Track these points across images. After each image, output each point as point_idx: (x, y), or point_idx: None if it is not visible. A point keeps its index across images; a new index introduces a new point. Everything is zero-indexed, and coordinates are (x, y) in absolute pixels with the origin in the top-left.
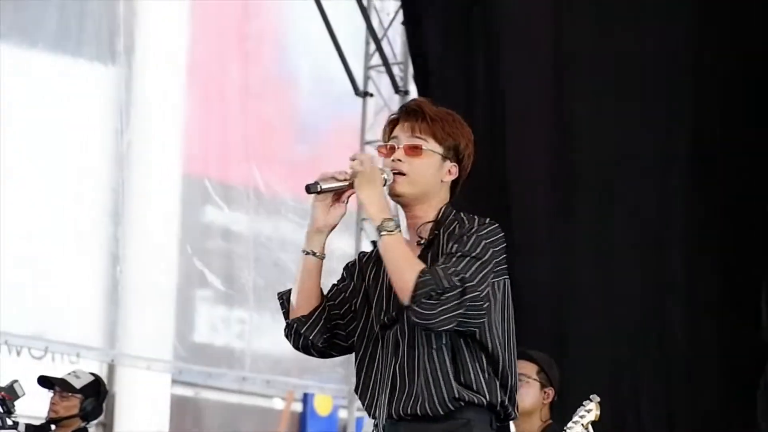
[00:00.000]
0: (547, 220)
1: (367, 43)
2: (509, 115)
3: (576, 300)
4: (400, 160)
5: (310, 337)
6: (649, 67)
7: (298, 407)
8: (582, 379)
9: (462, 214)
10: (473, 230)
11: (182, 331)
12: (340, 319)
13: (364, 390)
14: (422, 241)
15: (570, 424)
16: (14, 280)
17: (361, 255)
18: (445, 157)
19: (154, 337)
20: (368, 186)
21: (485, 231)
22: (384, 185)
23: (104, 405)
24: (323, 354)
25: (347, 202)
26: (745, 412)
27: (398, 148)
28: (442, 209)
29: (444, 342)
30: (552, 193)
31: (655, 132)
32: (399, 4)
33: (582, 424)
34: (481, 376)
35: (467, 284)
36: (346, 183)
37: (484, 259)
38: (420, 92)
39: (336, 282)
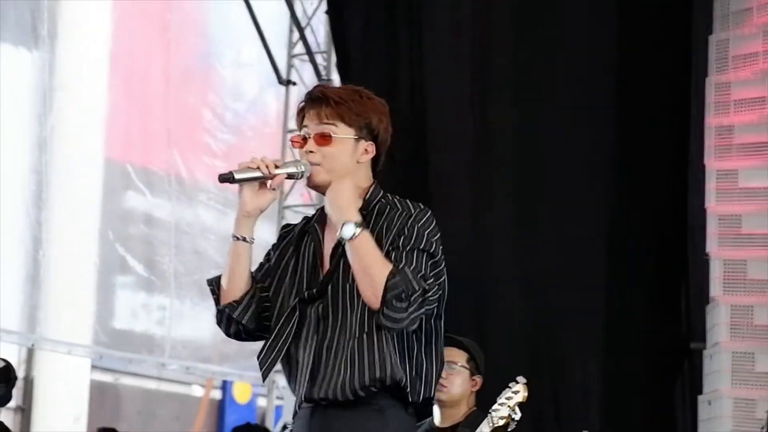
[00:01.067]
0: (467, 208)
1: (291, 32)
2: (431, 103)
3: (495, 292)
4: (312, 152)
5: (243, 321)
6: (571, 60)
7: (217, 395)
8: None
9: (391, 197)
10: (413, 220)
11: (103, 316)
12: (269, 302)
13: (284, 368)
14: None
15: (496, 406)
16: None
17: (283, 232)
18: (358, 138)
19: (74, 322)
20: (338, 184)
21: (424, 220)
22: (301, 178)
23: (13, 391)
24: (255, 337)
25: (276, 188)
26: (663, 402)
27: (309, 138)
28: (370, 190)
29: (366, 331)
30: (472, 182)
31: (579, 125)
32: None
33: (509, 406)
34: (398, 361)
35: (427, 282)
36: (263, 174)
37: (432, 251)
38: (343, 81)
39: (262, 262)
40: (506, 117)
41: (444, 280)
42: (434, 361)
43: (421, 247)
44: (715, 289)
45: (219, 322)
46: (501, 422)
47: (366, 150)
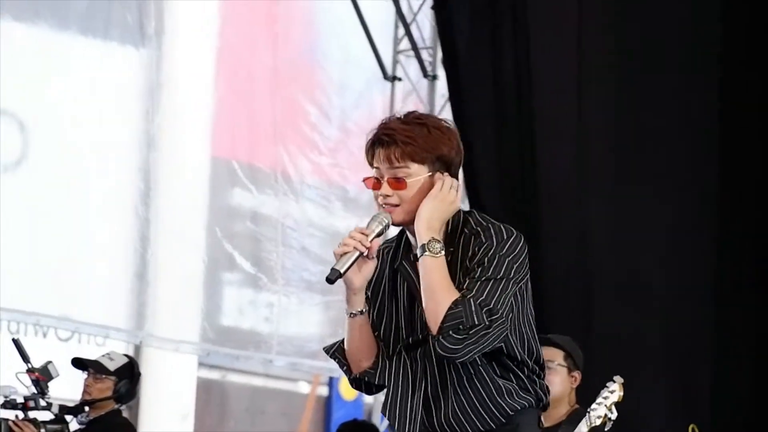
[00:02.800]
0: (572, 201)
1: (396, 27)
2: (537, 97)
3: (598, 288)
4: (388, 195)
5: (385, 382)
6: (675, 52)
7: (323, 391)
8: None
9: (473, 219)
10: (493, 249)
11: (210, 313)
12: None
13: (393, 411)
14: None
15: (594, 406)
16: (43, 260)
17: (384, 249)
18: (432, 173)
19: (181, 319)
20: (432, 201)
21: (506, 248)
22: (389, 228)
23: (137, 387)
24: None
25: (374, 255)
26: None
27: (383, 181)
28: (451, 219)
29: (478, 365)
30: (577, 173)
31: (680, 108)
32: None
33: (606, 405)
34: (515, 383)
35: (492, 316)
36: (361, 251)
37: (507, 278)
38: (448, 76)
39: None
40: (609, 112)
41: (523, 292)
42: (541, 366)
43: (499, 276)
44: None
45: (357, 388)
46: (598, 422)
47: (442, 180)
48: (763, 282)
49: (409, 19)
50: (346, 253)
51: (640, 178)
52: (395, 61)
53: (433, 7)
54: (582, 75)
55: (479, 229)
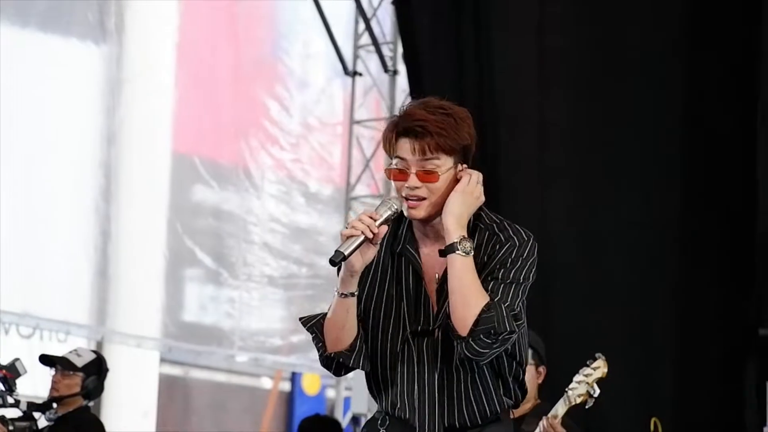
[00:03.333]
0: (535, 199)
1: (357, 23)
2: (498, 94)
3: (561, 279)
4: (417, 188)
5: (359, 366)
6: (640, 46)
7: (286, 386)
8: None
9: (488, 221)
10: (515, 251)
11: (172, 309)
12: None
13: (401, 395)
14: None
15: (573, 384)
16: (3, 257)
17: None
18: (456, 164)
19: (143, 315)
20: (462, 195)
21: (527, 251)
22: (394, 214)
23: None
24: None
25: (378, 242)
26: (732, 387)
27: (410, 173)
28: (472, 222)
29: (479, 368)
30: (539, 172)
31: (643, 111)
32: None
33: (587, 383)
34: (505, 383)
35: (518, 322)
36: (367, 236)
37: (527, 282)
38: (409, 72)
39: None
40: (573, 107)
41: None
42: (521, 384)
43: (520, 280)
44: None
45: (327, 366)
46: (578, 400)
47: (462, 172)
48: (724, 276)
49: (369, 15)
50: (352, 236)
51: (602, 174)
52: (356, 57)
53: (393, 3)
54: (543, 70)
55: (495, 226)
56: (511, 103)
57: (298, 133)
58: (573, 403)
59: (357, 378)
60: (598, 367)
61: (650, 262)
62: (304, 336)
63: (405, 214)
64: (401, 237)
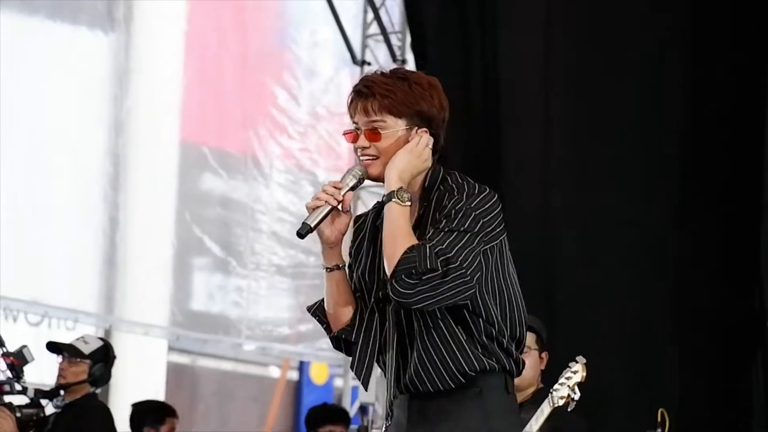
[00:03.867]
0: (538, 193)
1: (365, 12)
2: (504, 85)
3: (562, 272)
4: (365, 147)
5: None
6: (642, 47)
7: (294, 375)
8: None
9: (451, 178)
10: (462, 202)
11: (179, 298)
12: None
13: (360, 365)
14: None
15: (556, 386)
16: (12, 245)
17: (356, 227)
18: (410, 128)
19: (151, 303)
20: (406, 154)
21: (476, 201)
22: (363, 181)
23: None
24: None
25: (348, 209)
26: (737, 381)
27: (360, 133)
28: (428, 175)
29: (440, 317)
30: (543, 167)
31: (644, 111)
32: None
33: (568, 386)
34: (481, 343)
35: (450, 265)
36: (333, 205)
37: (472, 232)
38: (417, 61)
39: (350, 264)
40: (577, 106)
41: (498, 253)
42: (517, 334)
43: (462, 228)
44: None
45: (336, 347)
46: (561, 402)
47: (420, 136)
48: (729, 272)
49: (378, 4)
50: (317, 207)
51: (605, 173)
52: (364, 46)
53: None
54: (550, 60)
55: (454, 185)
56: (516, 100)
57: (306, 122)
58: (556, 405)
59: None
60: (577, 371)
61: (652, 260)
62: (312, 325)
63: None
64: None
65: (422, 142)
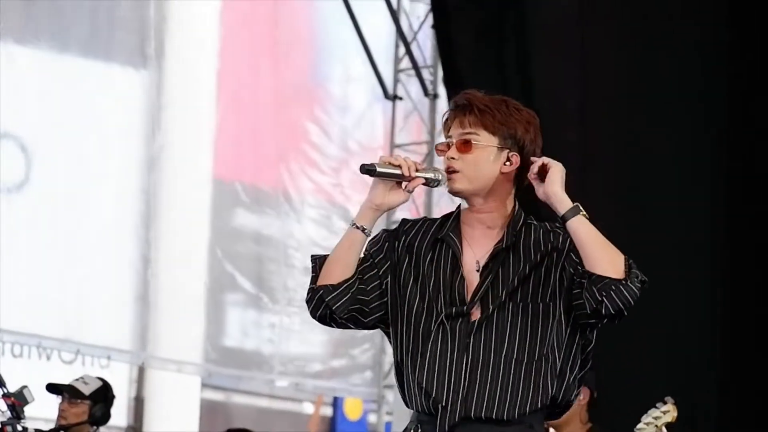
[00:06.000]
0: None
1: (397, 46)
2: (540, 120)
3: None
4: (453, 158)
5: (333, 307)
6: (676, 68)
7: (328, 411)
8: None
9: (532, 220)
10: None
11: (212, 334)
12: (365, 296)
13: (432, 382)
14: (498, 242)
15: (641, 425)
16: (45, 282)
17: (407, 228)
18: (501, 148)
19: (184, 340)
20: (558, 172)
21: None
22: (437, 186)
23: (125, 410)
24: (339, 325)
25: (411, 191)
26: None
27: (452, 145)
28: (516, 209)
29: (525, 353)
30: (582, 199)
31: (682, 134)
32: (429, 7)
33: (656, 425)
34: (557, 384)
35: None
36: (403, 173)
37: None
38: (450, 96)
39: (370, 253)
40: (611, 133)
41: None
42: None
43: None
44: None
45: (309, 301)
46: None
47: (510, 160)
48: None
49: (409, 38)
50: (391, 164)
51: (645, 199)
52: (396, 80)
53: (434, 26)
54: (587, 95)
55: (545, 222)
56: (552, 128)
57: (339, 157)
58: None
59: (398, 401)
60: (668, 411)
61: (691, 286)
62: (345, 361)
63: (447, 190)
64: (447, 226)
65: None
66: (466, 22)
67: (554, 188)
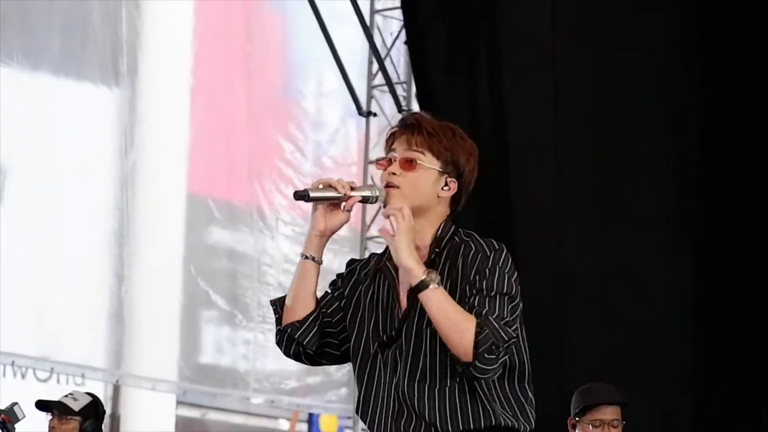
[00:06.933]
0: (551, 239)
1: (370, 63)
2: (513, 134)
3: (578, 320)
4: (395, 173)
5: (304, 343)
6: (649, 84)
7: (303, 428)
8: None
9: (463, 234)
10: (493, 262)
11: (187, 351)
12: (333, 328)
13: (364, 410)
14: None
15: None
16: (19, 301)
17: (353, 266)
18: (442, 172)
19: (159, 357)
20: (406, 234)
21: (502, 261)
22: (375, 202)
23: (103, 426)
24: (313, 361)
25: (350, 210)
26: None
27: (395, 161)
28: (441, 225)
29: (456, 376)
30: (554, 213)
31: (660, 146)
32: (402, 23)
33: None
34: (492, 408)
35: (512, 329)
36: (338, 194)
37: (512, 294)
38: (423, 111)
39: (329, 290)
40: (585, 145)
41: (521, 317)
42: (528, 401)
43: (504, 291)
44: None
45: (279, 342)
46: None
47: (448, 185)
48: (749, 299)
49: (383, 54)
50: (325, 188)
51: (617, 206)
52: (370, 97)
53: (407, 43)
54: (557, 106)
55: (470, 241)
56: (526, 144)
57: (313, 173)
58: None
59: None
60: None
61: (668, 289)
62: (320, 377)
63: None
64: (386, 255)
65: (408, 215)
66: (439, 37)
67: (400, 258)
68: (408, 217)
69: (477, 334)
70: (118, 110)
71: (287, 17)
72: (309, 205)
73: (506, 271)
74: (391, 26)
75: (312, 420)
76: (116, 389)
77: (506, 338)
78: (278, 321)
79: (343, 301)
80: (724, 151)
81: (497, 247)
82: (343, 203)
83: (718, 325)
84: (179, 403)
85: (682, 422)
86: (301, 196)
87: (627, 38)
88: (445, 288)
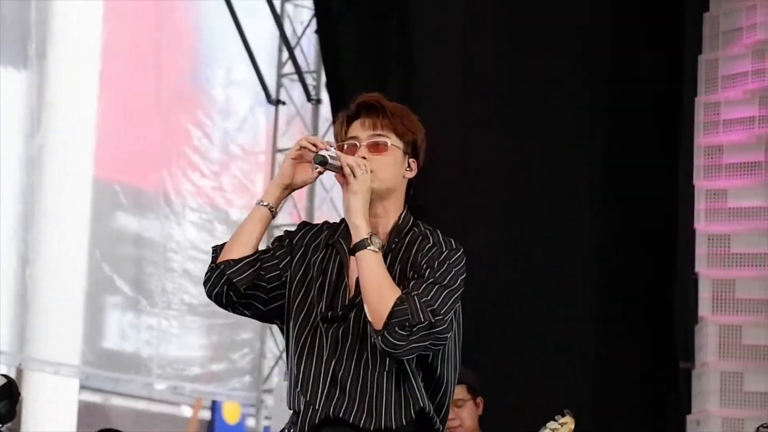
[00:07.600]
0: (455, 230)
1: (280, 51)
2: (422, 121)
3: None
4: (364, 158)
5: (234, 280)
6: (561, 86)
7: (206, 415)
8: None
9: (423, 227)
10: (445, 256)
11: (91, 336)
12: (265, 283)
13: (295, 381)
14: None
15: None
16: None
17: (306, 229)
18: (405, 153)
19: (62, 342)
20: (364, 195)
21: (455, 258)
22: (340, 169)
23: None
24: (234, 307)
25: (321, 174)
26: (652, 422)
27: (359, 146)
28: (402, 215)
29: (393, 365)
30: (459, 204)
31: (567, 146)
32: (313, 12)
33: None
34: (421, 401)
35: (436, 317)
36: (339, 165)
37: (453, 288)
38: (332, 101)
39: (271, 245)
40: (494, 141)
41: (460, 318)
42: (449, 394)
43: (444, 283)
44: (704, 308)
45: (208, 279)
46: None
47: (410, 166)
48: (650, 312)
49: (293, 43)
50: (319, 147)
51: (527, 203)
52: (279, 85)
53: (317, 32)
54: (469, 100)
55: (429, 233)
56: (435, 126)
57: (221, 161)
58: None
59: (276, 406)
60: (566, 423)
61: (571, 300)
62: (224, 365)
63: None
64: (340, 232)
65: (368, 179)
66: (350, 27)
67: (350, 215)
68: (368, 180)
69: (395, 305)
70: (26, 93)
71: (198, 5)
72: (216, 193)
73: (456, 268)
74: (301, 15)
75: (215, 407)
76: (19, 372)
77: (423, 320)
78: (214, 258)
79: (290, 263)
80: (628, 156)
81: (455, 247)
82: (318, 168)
83: (621, 314)
84: (82, 387)
85: (585, 411)
86: (321, 161)
87: (541, 34)
88: (393, 273)
